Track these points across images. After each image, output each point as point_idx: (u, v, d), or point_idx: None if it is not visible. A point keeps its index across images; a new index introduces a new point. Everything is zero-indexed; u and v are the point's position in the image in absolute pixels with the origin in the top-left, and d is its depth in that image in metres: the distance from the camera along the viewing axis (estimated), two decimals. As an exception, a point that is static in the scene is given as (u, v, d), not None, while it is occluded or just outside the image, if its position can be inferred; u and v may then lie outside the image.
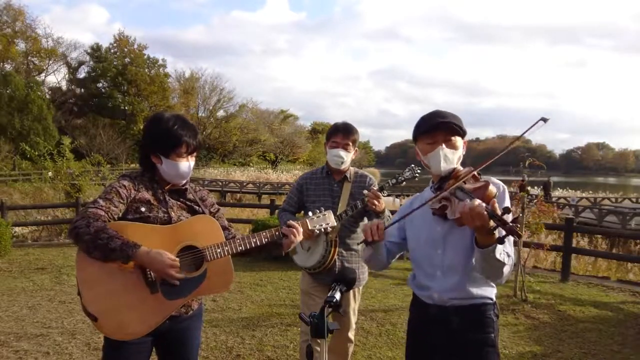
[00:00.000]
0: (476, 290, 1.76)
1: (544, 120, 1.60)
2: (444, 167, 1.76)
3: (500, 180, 1.81)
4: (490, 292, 1.79)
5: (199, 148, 2.02)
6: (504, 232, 1.43)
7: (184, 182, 2.02)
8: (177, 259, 1.81)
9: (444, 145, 1.76)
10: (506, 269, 1.61)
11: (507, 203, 1.72)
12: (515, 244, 5.84)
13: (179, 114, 2.03)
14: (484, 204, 1.48)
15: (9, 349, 3.86)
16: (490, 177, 1.78)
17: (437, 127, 1.77)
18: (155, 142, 1.95)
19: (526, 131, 1.64)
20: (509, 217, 1.44)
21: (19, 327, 4.37)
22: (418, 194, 2.05)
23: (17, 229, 9.86)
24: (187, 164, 1.96)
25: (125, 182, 1.90)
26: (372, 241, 1.79)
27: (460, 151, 1.81)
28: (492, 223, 1.46)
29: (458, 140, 1.80)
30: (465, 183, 1.66)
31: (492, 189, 1.59)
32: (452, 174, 1.76)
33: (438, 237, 1.78)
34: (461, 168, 1.80)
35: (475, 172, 1.71)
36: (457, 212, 1.58)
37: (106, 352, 1.92)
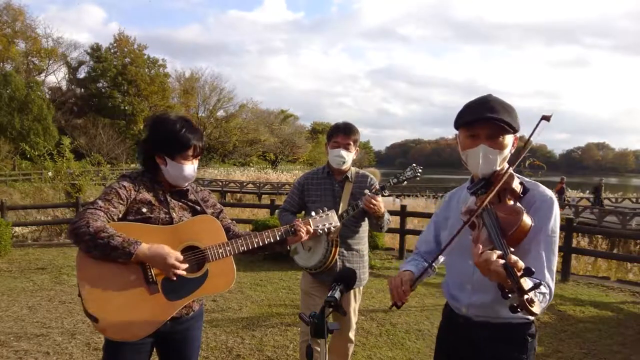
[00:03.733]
0: (509, 311, 1.55)
1: (547, 118, 1.41)
2: (483, 169, 1.52)
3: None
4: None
5: (204, 151, 2.02)
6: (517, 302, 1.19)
7: (186, 184, 2.01)
8: (180, 256, 1.80)
9: (486, 144, 1.51)
10: (540, 307, 1.26)
11: (554, 222, 1.47)
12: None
13: (184, 116, 2.03)
14: (501, 262, 1.23)
15: (9, 349, 3.86)
16: (539, 185, 1.53)
17: (482, 121, 1.50)
18: (161, 143, 1.93)
19: (532, 134, 1.44)
20: (527, 284, 1.18)
21: (19, 327, 4.37)
22: (456, 188, 1.84)
23: (17, 229, 9.86)
24: (192, 166, 1.95)
25: (125, 183, 1.88)
26: (400, 305, 1.58)
27: (507, 150, 1.54)
28: (507, 283, 1.21)
29: (506, 139, 1.52)
30: (500, 200, 1.43)
31: (525, 220, 1.35)
32: (493, 177, 1.52)
33: (468, 247, 1.53)
34: (506, 166, 1.54)
35: (516, 184, 1.46)
36: (476, 239, 1.37)
37: (106, 352, 1.92)
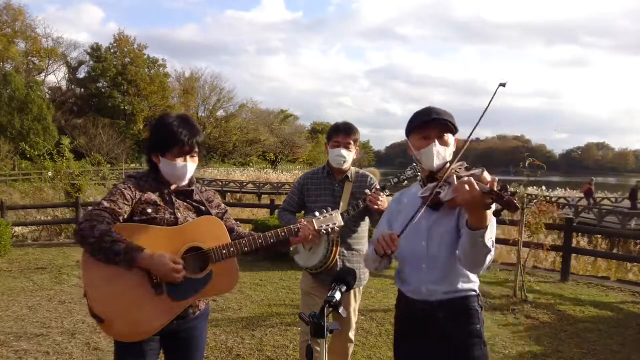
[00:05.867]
0: (460, 283, 1.80)
1: (503, 85, 1.66)
2: (437, 163, 1.79)
3: (500, 180, 1.80)
4: (473, 284, 1.83)
5: (200, 149, 1.98)
6: (499, 207, 1.46)
7: (184, 183, 2.00)
8: (181, 261, 1.80)
9: (437, 142, 1.79)
10: (489, 258, 1.63)
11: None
12: (515, 243, 5.85)
13: (184, 115, 2.01)
14: (473, 179, 1.51)
15: (9, 349, 3.86)
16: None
17: (431, 123, 1.80)
18: (155, 141, 1.94)
19: (491, 101, 1.69)
20: (504, 193, 1.46)
21: (19, 327, 4.37)
22: (405, 189, 2.07)
23: (17, 229, 9.85)
24: (184, 164, 1.92)
25: (131, 184, 1.89)
26: (389, 254, 1.72)
27: (452, 148, 1.85)
28: (489, 200, 1.47)
29: (450, 138, 1.84)
30: (458, 172, 1.69)
31: (486, 175, 1.60)
32: (443, 169, 1.79)
33: (423, 230, 1.81)
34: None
35: (466, 165, 1.75)
36: (451, 192, 1.59)
37: (117, 352, 1.93)
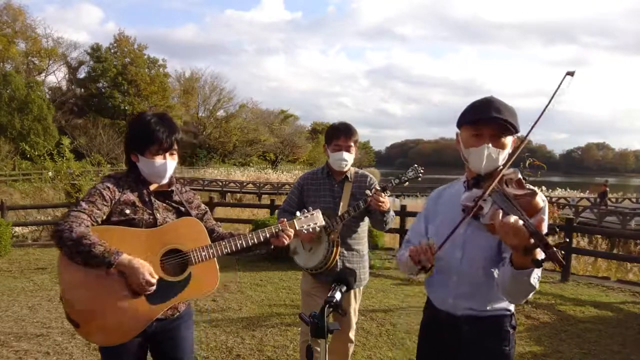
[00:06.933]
0: (493, 301, 1.62)
1: (571, 74, 1.42)
2: (485, 167, 1.56)
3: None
4: (507, 303, 1.64)
5: (179, 146, 1.96)
6: (543, 255, 1.25)
7: (164, 181, 1.97)
8: (156, 277, 1.78)
9: (490, 144, 1.54)
10: (532, 294, 1.46)
11: (546, 219, 1.50)
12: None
13: (161, 112, 1.99)
14: (520, 222, 1.29)
15: (9, 349, 3.86)
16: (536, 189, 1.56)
17: (487, 121, 1.54)
18: (132, 140, 1.92)
19: (557, 89, 1.43)
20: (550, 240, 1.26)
21: (19, 327, 4.37)
22: (444, 186, 1.86)
23: (17, 229, 9.87)
24: (163, 162, 1.90)
25: (109, 184, 1.86)
26: (427, 267, 1.56)
27: (507, 150, 1.58)
28: (532, 241, 1.27)
29: (507, 139, 1.57)
30: (507, 186, 1.45)
31: (539, 200, 1.39)
32: (494, 173, 1.53)
33: (459, 240, 1.62)
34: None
35: (520, 176, 1.51)
36: (489, 218, 1.40)
37: (102, 355, 1.91)
